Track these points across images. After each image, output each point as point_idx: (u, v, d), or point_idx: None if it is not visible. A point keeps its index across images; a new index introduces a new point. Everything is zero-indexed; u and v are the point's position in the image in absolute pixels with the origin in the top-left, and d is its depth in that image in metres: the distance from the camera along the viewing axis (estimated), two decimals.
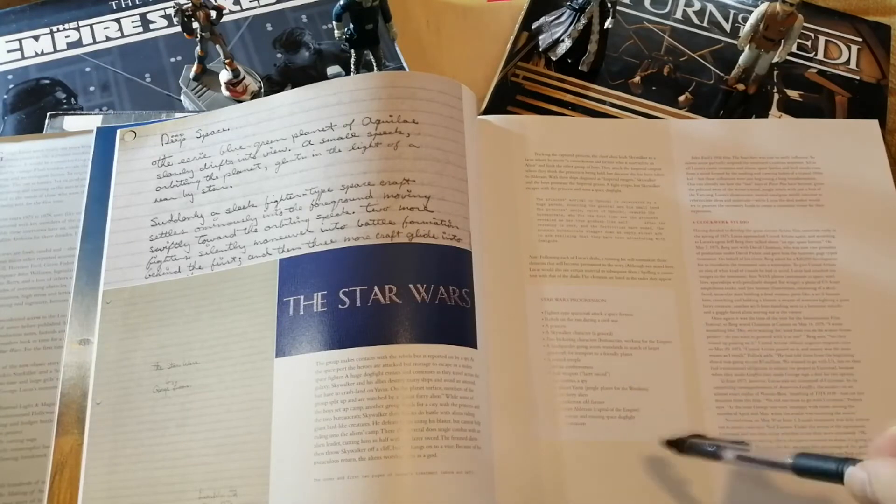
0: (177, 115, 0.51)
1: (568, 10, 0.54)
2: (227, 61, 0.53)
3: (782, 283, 0.45)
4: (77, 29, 0.57)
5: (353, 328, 0.39)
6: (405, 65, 0.54)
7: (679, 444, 0.38)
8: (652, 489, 0.40)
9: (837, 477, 0.28)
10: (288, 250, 0.42)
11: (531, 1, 0.58)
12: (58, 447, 0.40)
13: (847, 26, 0.58)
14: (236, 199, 0.44)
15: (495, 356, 0.41)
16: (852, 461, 0.27)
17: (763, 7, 0.49)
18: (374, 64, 0.53)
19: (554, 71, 0.55)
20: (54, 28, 0.57)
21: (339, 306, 0.40)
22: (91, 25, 0.57)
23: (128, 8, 0.58)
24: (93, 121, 0.52)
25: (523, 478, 0.39)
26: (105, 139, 0.48)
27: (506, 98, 0.53)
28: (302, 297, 0.41)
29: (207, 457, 0.39)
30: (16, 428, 0.41)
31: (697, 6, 0.59)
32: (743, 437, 0.41)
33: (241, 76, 0.53)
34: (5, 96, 0.54)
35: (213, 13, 0.51)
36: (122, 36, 0.57)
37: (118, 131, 0.48)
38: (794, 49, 0.55)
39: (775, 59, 0.52)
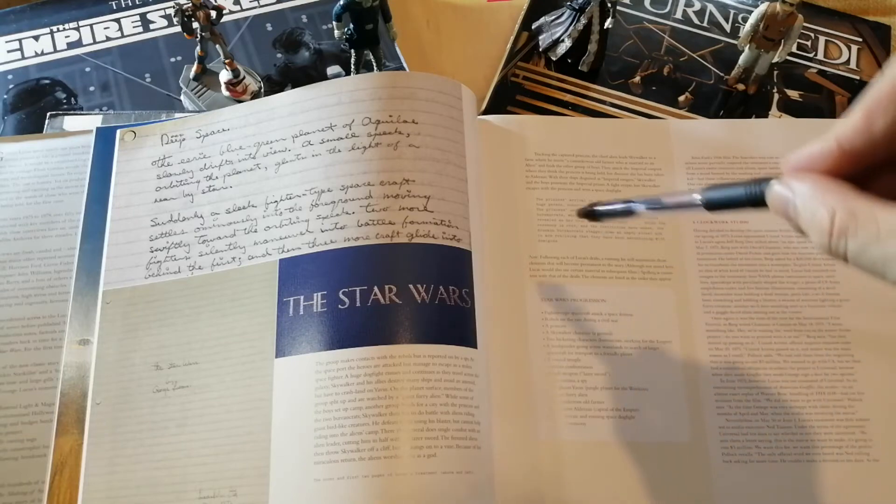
0: (177, 115, 0.51)
1: (568, 10, 0.54)
2: (227, 61, 0.53)
3: (782, 283, 0.45)
4: (77, 29, 0.57)
5: (352, 328, 0.39)
6: (405, 65, 0.54)
7: (591, 214, 0.38)
8: (652, 489, 0.40)
9: (751, 202, 0.27)
10: (288, 250, 0.42)
11: (531, 1, 0.58)
12: (58, 447, 0.40)
13: (847, 26, 0.58)
14: (236, 199, 0.44)
15: (495, 356, 0.41)
16: (766, 181, 0.26)
17: (763, 7, 0.49)
18: (374, 64, 0.53)
19: (554, 71, 0.55)
20: (54, 28, 0.57)
21: (339, 306, 0.40)
22: (91, 25, 0.57)
23: (128, 8, 0.58)
24: (93, 121, 0.52)
25: (523, 478, 0.39)
26: (105, 139, 0.48)
27: (506, 98, 0.53)
28: (302, 298, 0.41)
29: (207, 457, 0.39)
30: (16, 428, 0.41)
31: (697, 6, 0.59)
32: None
33: (241, 76, 0.53)
34: (5, 96, 0.54)
35: (213, 13, 0.51)
36: (122, 36, 0.57)
37: (118, 131, 0.48)
38: (794, 49, 0.55)
39: (775, 59, 0.52)
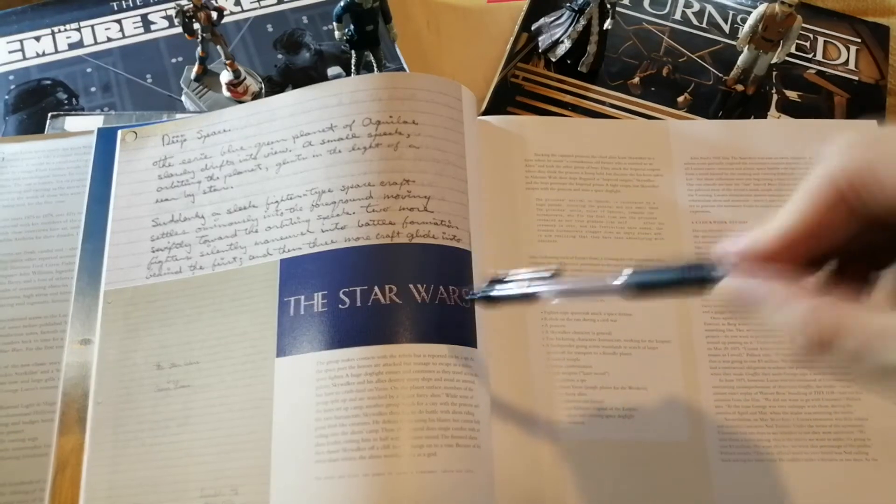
0: (178, 115, 0.51)
1: (567, 12, 0.54)
2: (228, 62, 0.53)
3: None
4: (78, 30, 0.57)
5: (353, 328, 0.39)
6: (405, 66, 0.54)
7: (485, 300, 0.36)
8: (651, 489, 0.40)
9: (688, 286, 0.25)
10: (289, 250, 0.42)
11: (531, 2, 0.58)
12: (59, 446, 0.40)
13: (846, 27, 0.58)
14: (237, 199, 0.45)
15: (495, 356, 0.42)
16: (703, 266, 0.24)
17: (762, 8, 0.50)
18: (375, 65, 0.53)
19: (553, 72, 0.55)
20: (56, 29, 0.57)
21: (340, 306, 0.40)
22: (92, 26, 0.57)
23: (129, 9, 0.58)
24: (94, 121, 0.52)
25: (523, 477, 0.39)
26: (106, 140, 0.48)
27: (505, 99, 0.53)
28: (303, 297, 0.41)
29: (209, 456, 0.39)
30: (17, 427, 0.41)
31: (696, 7, 0.59)
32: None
33: (242, 77, 0.54)
34: (7, 97, 0.54)
35: (214, 14, 0.51)
36: (124, 37, 0.57)
37: (119, 132, 0.48)
38: (792, 50, 0.55)
39: (774, 60, 0.52)
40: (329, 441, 0.37)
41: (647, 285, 0.27)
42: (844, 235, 0.24)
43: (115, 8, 0.58)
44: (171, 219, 0.45)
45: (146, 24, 0.57)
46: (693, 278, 0.25)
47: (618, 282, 0.27)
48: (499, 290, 0.36)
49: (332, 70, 0.55)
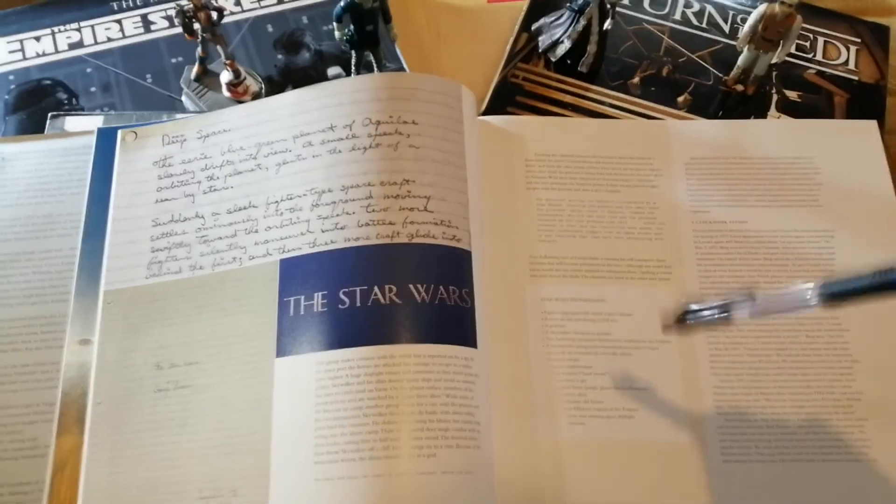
0: (178, 115, 0.51)
1: (567, 12, 0.54)
2: (228, 62, 0.53)
3: (781, 283, 0.45)
4: (78, 30, 0.57)
5: (353, 328, 0.39)
6: (405, 66, 0.54)
7: (679, 323, 0.35)
8: (651, 489, 0.40)
9: (881, 289, 0.25)
10: (288, 250, 0.42)
11: (531, 2, 0.58)
12: (58, 447, 0.40)
13: (846, 27, 0.58)
14: (237, 199, 0.45)
15: (495, 356, 0.42)
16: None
17: (762, 8, 0.50)
18: (375, 65, 0.53)
19: (553, 72, 0.55)
20: (55, 29, 0.57)
21: (340, 306, 0.40)
22: (92, 26, 0.57)
23: (129, 9, 0.58)
24: (94, 121, 0.52)
25: (523, 478, 0.39)
26: (106, 140, 0.48)
27: (505, 99, 0.53)
28: (302, 297, 0.41)
29: (208, 457, 0.39)
30: (16, 427, 0.41)
31: (696, 7, 0.59)
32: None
33: (242, 77, 0.54)
34: (7, 97, 0.54)
35: (215, 14, 0.51)
36: (124, 37, 0.57)
37: (119, 132, 0.48)
38: (792, 50, 0.55)
39: (774, 60, 0.52)
40: (328, 442, 0.37)
41: (843, 294, 0.28)
42: None
43: (115, 8, 0.58)
44: (171, 219, 0.45)
45: (146, 24, 0.57)
46: (891, 282, 0.26)
47: (813, 296, 0.28)
48: (694, 320, 0.35)
49: (332, 70, 0.55)
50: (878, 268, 0.26)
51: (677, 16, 0.58)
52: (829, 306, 0.28)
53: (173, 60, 0.55)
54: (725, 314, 0.33)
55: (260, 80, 0.55)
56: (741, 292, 0.32)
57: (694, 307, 0.35)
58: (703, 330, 0.35)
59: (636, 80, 0.55)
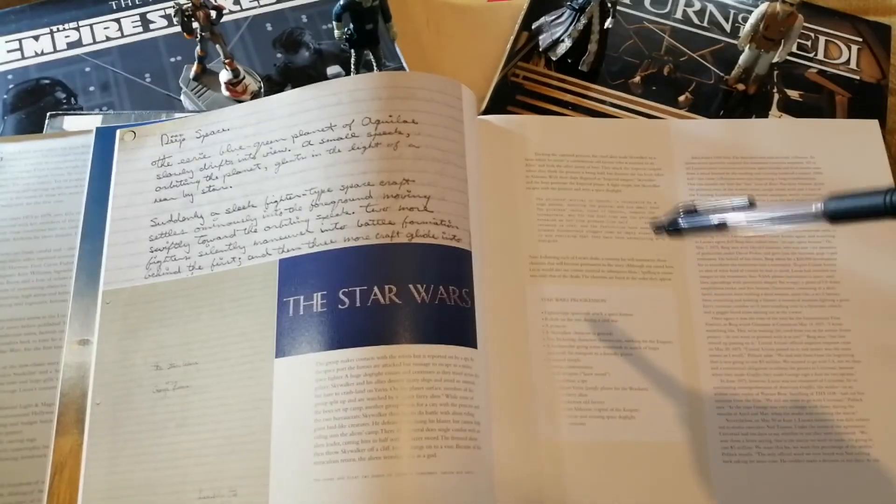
0: (177, 115, 0.51)
1: (568, 10, 0.54)
2: (226, 61, 0.53)
3: (782, 283, 0.45)
4: (77, 29, 0.57)
5: (352, 328, 0.39)
6: (405, 65, 0.54)
7: (671, 228, 0.34)
8: (652, 489, 0.40)
9: (886, 212, 0.24)
10: (288, 250, 0.42)
11: (531, 1, 0.58)
12: (57, 447, 0.40)
13: (847, 26, 0.58)
14: (236, 199, 0.44)
15: (495, 356, 0.41)
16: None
17: (763, 7, 0.49)
18: (374, 64, 0.53)
19: (554, 71, 0.55)
20: (54, 28, 0.57)
21: (339, 306, 0.40)
22: (91, 25, 0.57)
23: (128, 8, 0.58)
24: (92, 121, 0.52)
25: (523, 478, 0.39)
26: (105, 139, 0.48)
27: (506, 98, 0.53)
28: (302, 298, 0.41)
29: (207, 457, 0.39)
30: (16, 428, 0.41)
31: (697, 6, 0.59)
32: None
33: (241, 76, 0.53)
34: (5, 96, 0.54)
35: (213, 13, 0.51)
36: (122, 36, 0.57)
37: (118, 131, 0.48)
38: (794, 49, 0.55)
39: (775, 59, 0.52)
40: (328, 442, 0.37)
41: (847, 212, 0.26)
42: None
43: (114, 7, 0.58)
44: (170, 218, 0.45)
45: (145, 23, 0.57)
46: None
47: (817, 208, 0.27)
48: (689, 222, 0.33)
49: (332, 69, 0.55)
50: (887, 188, 0.25)
51: (678, 14, 0.58)
52: (832, 222, 0.27)
53: (172, 59, 0.55)
54: (722, 220, 0.31)
55: (259, 79, 0.54)
56: (740, 197, 0.30)
57: (689, 209, 0.33)
58: (696, 235, 0.33)
59: (637, 79, 0.55)
